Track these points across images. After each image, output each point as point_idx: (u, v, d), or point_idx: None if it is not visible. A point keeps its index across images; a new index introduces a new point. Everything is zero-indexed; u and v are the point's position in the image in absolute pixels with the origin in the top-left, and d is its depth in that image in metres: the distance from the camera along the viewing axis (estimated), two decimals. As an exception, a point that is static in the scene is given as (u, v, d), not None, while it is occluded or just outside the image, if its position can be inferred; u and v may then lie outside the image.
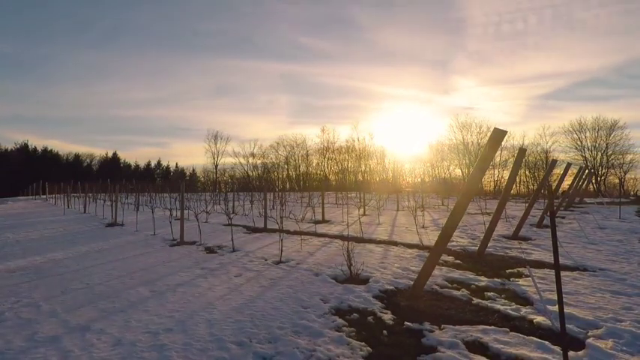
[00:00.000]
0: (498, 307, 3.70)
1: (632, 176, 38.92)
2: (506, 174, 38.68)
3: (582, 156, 40.00)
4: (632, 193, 32.17)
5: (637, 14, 51.82)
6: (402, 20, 58.40)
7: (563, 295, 2.48)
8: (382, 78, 67.58)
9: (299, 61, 68.59)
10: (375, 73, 67.64)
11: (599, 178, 38.86)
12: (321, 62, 68.19)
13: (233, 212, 12.47)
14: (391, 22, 59.61)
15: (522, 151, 6.64)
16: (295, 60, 68.58)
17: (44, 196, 30.93)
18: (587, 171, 18.55)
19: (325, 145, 51.58)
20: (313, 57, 68.51)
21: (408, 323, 3.33)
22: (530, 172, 41.07)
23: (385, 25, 59.79)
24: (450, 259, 5.89)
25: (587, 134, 40.03)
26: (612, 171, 40.00)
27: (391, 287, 4.39)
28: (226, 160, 56.36)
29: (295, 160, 53.78)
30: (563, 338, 2.40)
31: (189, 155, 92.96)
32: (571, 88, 59.29)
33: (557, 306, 2.48)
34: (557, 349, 2.77)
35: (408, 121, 61.90)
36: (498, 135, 3.54)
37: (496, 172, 40.85)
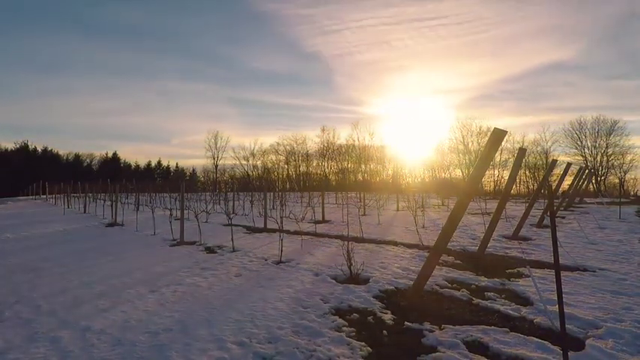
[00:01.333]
0: (498, 307, 3.70)
1: (632, 176, 38.97)
2: (506, 174, 38.70)
3: (582, 156, 40.06)
4: (632, 193, 32.19)
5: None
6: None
7: (563, 295, 2.48)
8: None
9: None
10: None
11: (599, 178, 38.87)
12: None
13: (233, 212, 12.47)
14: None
15: (522, 151, 6.64)
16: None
17: (44, 196, 30.92)
18: (587, 171, 18.54)
19: (325, 145, 51.64)
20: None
21: (408, 323, 3.33)
22: (530, 172, 41.10)
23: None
24: (450, 259, 5.89)
25: (587, 134, 40.10)
26: (612, 171, 40.06)
27: (391, 287, 4.39)
28: (226, 162, 56.37)
29: (295, 160, 53.83)
30: (563, 338, 2.40)
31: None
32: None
33: (557, 306, 2.48)
34: (557, 349, 2.77)
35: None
36: (498, 135, 3.54)
37: (496, 172, 40.89)
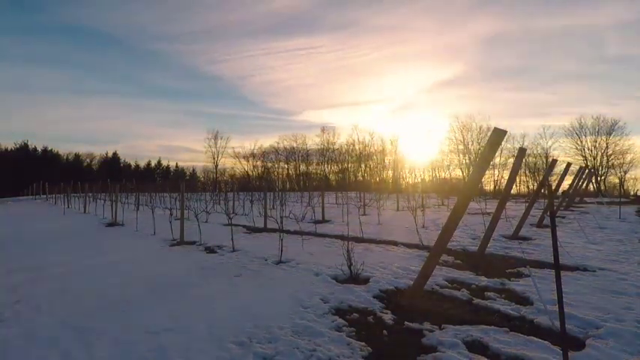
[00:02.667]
0: (498, 307, 3.70)
1: (632, 176, 38.98)
2: (506, 174, 38.70)
3: (582, 156, 40.07)
4: (632, 193, 32.19)
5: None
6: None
7: (563, 295, 2.48)
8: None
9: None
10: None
11: (599, 178, 38.87)
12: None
13: (233, 212, 12.47)
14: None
15: (522, 151, 6.64)
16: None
17: (44, 196, 30.92)
18: (587, 171, 18.54)
19: (325, 145, 51.63)
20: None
21: (408, 323, 3.33)
22: (530, 172, 41.11)
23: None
24: (450, 259, 5.89)
25: (588, 134, 40.13)
26: (612, 171, 40.07)
27: (391, 287, 4.39)
28: (226, 161, 56.47)
29: (295, 160, 53.82)
30: (563, 338, 2.40)
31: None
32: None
33: (557, 306, 2.47)
34: (557, 349, 2.77)
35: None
36: (498, 135, 3.54)
37: (496, 172, 40.90)
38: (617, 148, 39.11)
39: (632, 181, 39.08)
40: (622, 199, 15.75)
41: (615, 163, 39.56)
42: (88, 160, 64.03)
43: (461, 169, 42.78)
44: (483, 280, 4.63)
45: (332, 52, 67.15)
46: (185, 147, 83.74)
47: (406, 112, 67.79)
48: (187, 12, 66.20)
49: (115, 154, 66.03)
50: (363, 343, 2.96)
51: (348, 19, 63.56)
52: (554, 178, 21.08)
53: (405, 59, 65.22)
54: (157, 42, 70.49)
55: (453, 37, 60.33)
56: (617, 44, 53.68)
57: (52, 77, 72.09)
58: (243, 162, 54.58)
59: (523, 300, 3.93)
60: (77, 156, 62.66)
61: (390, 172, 47.08)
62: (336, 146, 51.15)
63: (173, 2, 66.58)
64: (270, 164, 54.49)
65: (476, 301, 3.91)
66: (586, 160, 39.54)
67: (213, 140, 56.41)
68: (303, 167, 53.84)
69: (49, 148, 59.63)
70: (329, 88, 71.76)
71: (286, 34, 67.43)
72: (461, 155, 43.02)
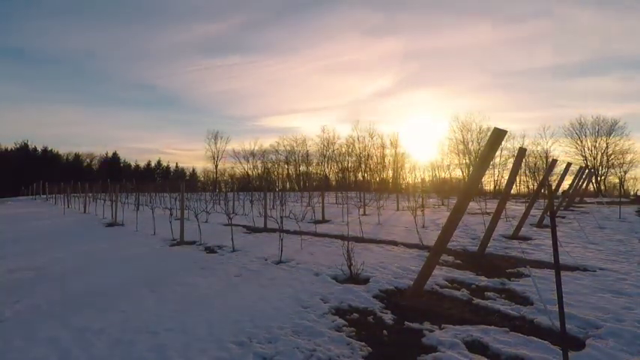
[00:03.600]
0: (498, 307, 3.70)
1: (632, 176, 38.98)
2: (506, 174, 38.70)
3: (582, 156, 40.06)
4: (632, 193, 32.19)
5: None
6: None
7: (563, 295, 2.48)
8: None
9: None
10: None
11: (599, 178, 38.87)
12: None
13: (233, 212, 12.47)
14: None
15: (522, 150, 6.63)
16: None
17: (44, 196, 30.92)
18: (587, 171, 18.54)
19: (325, 144, 51.60)
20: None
21: (409, 323, 3.33)
22: (530, 172, 41.11)
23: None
24: (450, 258, 5.89)
25: (587, 134, 40.12)
26: (612, 171, 40.07)
27: (391, 287, 4.39)
28: (226, 160, 56.52)
29: (295, 160, 53.81)
30: (563, 338, 2.40)
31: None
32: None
33: (557, 306, 2.47)
34: (557, 349, 2.77)
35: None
36: (498, 135, 3.54)
37: (496, 172, 40.89)
38: (617, 148, 39.12)
39: (632, 181, 39.11)
40: (622, 199, 15.75)
41: (615, 163, 39.56)
42: (88, 160, 64.04)
43: (461, 169, 42.80)
44: (483, 280, 4.63)
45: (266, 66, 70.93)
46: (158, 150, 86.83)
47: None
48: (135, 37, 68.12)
49: (115, 154, 66.04)
50: (363, 343, 2.96)
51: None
52: (554, 178, 21.08)
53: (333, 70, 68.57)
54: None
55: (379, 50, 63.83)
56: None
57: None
58: (243, 162, 54.62)
59: (523, 300, 3.93)
60: (77, 156, 62.63)
61: (390, 172, 47.15)
62: (336, 146, 51.15)
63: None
64: (270, 164, 54.52)
65: (476, 301, 3.91)
66: (586, 160, 39.54)
67: (213, 140, 56.43)
68: (303, 167, 53.86)
69: (49, 148, 59.68)
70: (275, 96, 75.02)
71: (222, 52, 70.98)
72: (461, 155, 43.04)
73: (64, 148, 78.62)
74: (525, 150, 6.86)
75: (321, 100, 73.78)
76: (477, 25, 56.73)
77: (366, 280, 4.65)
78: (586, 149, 40.34)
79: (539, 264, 5.44)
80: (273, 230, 9.26)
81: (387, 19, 60.90)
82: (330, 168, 51.97)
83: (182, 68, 73.38)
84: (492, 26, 55.34)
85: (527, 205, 8.63)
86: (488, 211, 12.03)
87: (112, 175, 40.00)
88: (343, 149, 50.64)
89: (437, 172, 38.49)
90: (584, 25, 51.47)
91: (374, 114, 74.17)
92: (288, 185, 51.10)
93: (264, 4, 65.05)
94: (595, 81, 55.68)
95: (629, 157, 38.74)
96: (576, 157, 39.85)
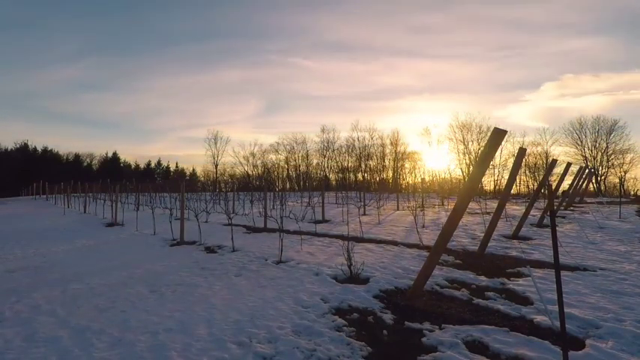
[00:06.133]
0: (498, 307, 3.69)
1: (632, 176, 38.96)
2: (506, 174, 38.69)
3: (582, 155, 40.04)
4: (632, 192, 32.18)
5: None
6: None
7: (563, 295, 2.48)
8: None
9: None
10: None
11: (599, 178, 38.85)
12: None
13: (233, 212, 12.47)
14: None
15: (522, 150, 6.63)
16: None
17: (44, 196, 30.92)
18: (587, 170, 18.53)
19: (325, 144, 51.56)
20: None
21: (408, 323, 3.33)
22: (530, 172, 41.08)
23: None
24: (450, 258, 5.89)
25: (588, 134, 40.11)
26: (612, 171, 40.05)
27: (391, 287, 4.39)
28: (226, 160, 56.55)
29: (295, 160, 53.78)
30: (563, 338, 2.40)
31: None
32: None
33: (557, 306, 2.47)
34: (557, 349, 2.77)
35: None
36: (498, 135, 3.54)
37: (496, 172, 40.87)
38: (617, 148, 39.11)
39: (632, 181, 39.07)
40: (622, 199, 15.74)
41: (615, 163, 39.56)
42: (88, 160, 64.08)
43: (461, 169, 42.78)
44: (483, 280, 4.63)
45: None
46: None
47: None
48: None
49: (115, 154, 66.08)
50: (363, 343, 2.96)
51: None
52: (554, 178, 21.06)
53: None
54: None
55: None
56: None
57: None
58: (243, 162, 54.60)
59: (523, 300, 3.93)
60: (77, 156, 62.67)
61: (391, 172, 47.13)
62: (336, 146, 51.13)
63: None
64: (270, 164, 54.48)
65: (476, 301, 3.91)
66: (586, 160, 39.52)
67: (213, 140, 56.40)
68: (303, 167, 53.82)
69: (49, 148, 59.73)
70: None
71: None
72: (461, 155, 43.03)
73: (64, 148, 78.99)
74: (525, 150, 6.86)
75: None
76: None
77: (366, 280, 4.65)
78: (586, 149, 40.35)
79: (539, 264, 5.44)
80: (273, 230, 9.26)
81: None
82: (330, 168, 51.97)
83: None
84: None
85: (527, 205, 8.63)
86: (488, 211, 12.03)
87: (112, 175, 39.96)
88: (343, 149, 50.64)
89: (437, 172, 38.46)
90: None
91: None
92: (288, 185, 51.05)
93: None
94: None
95: (629, 157, 38.78)
96: (576, 157, 39.87)
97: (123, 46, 73.58)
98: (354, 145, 49.93)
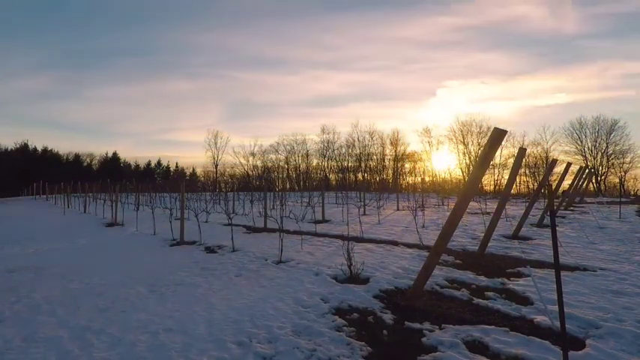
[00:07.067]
0: (498, 306, 3.69)
1: (632, 176, 38.97)
2: (506, 174, 38.67)
3: (582, 155, 40.04)
4: (632, 192, 32.18)
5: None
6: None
7: (563, 295, 2.48)
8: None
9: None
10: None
11: (599, 178, 38.84)
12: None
13: (233, 212, 12.46)
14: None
15: (522, 150, 6.63)
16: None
17: (44, 196, 30.93)
18: (587, 170, 18.53)
19: (325, 144, 51.55)
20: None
21: (409, 323, 3.33)
22: (530, 172, 41.07)
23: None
24: (450, 258, 5.89)
25: (588, 134, 40.11)
26: (612, 170, 40.04)
27: (391, 287, 4.39)
28: (226, 159, 56.39)
29: (295, 160, 53.77)
30: (563, 338, 2.40)
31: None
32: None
33: (557, 306, 2.47)
34: (557, 349, 2.76)
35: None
36: (498, 134, 3.53)
37: (496, 172, 40.86)
38: (617, 148, 39.11)
39: (632, 181, 39.08)
40: (622, 199, 15.74)
41: (615, 163, 39.55)
42: (88, 160, 64.08)
43: (461, 169, 42.76)
44: (483, 280, 4.63)
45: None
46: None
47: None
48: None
49: (115, 154, 66.10)
50: (363, 343, 2.96)
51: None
52: (554, 178, 21.04)
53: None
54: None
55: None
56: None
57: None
58: (243, 162, 54.59)
59: (523, 300, 3.93)
60: (77, 156, 62.68)
61: (391, 172, 47.13)
62: (336, 145, 51.13)
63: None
64: (270, 164, 54.45)
65: (476, 301, 3.91)
66: (586, 160, 39.52)
67: (213, 140, 56.35)
68: (303, 167, 53.81)
69: (49, 148, 59.73)
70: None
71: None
72: (461, 155, 43.03)
73: (64, 148, 78.95)
74: (525, 150, 6.87)
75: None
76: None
77: (366, 280, 4.65)
78: (586, 149, 40.35)
79: (539, 264, 5.44)
80: (273, 230, 9.25)
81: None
82: (330, 168, 51.94)
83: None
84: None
85: (527, 205, 8.63)
86: (488, 211, 12.03)
87: (112, 175, 39.97)
88: (343, 149, 50.64)
89: (437, 172, 38.45)
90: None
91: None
92: (288, 185, 51.02)
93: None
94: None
95: (629, 157, 38.78)
96: (576, 157, 39.87)
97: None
98: (354, 145, 49.97)
